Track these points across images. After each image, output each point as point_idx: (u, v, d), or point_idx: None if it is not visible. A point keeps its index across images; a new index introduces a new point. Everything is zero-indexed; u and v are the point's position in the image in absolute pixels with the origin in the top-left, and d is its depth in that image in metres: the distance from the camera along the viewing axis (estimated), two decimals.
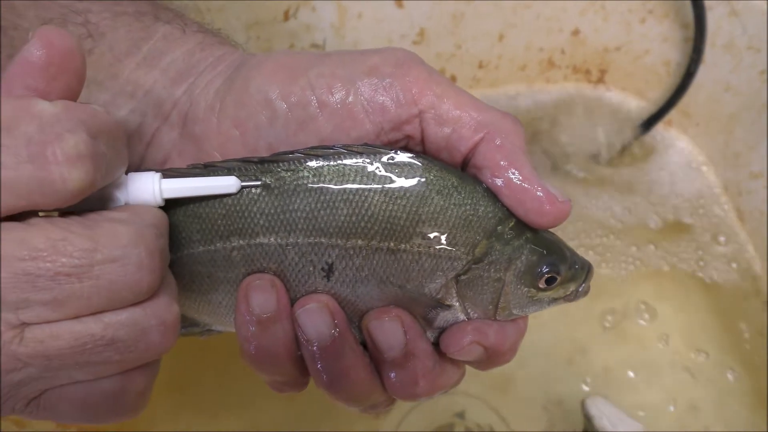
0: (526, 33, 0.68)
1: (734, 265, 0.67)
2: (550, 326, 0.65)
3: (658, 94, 0.70)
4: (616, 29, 0.67)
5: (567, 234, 0.69)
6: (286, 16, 0.59)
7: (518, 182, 0.31)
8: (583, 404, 0.55)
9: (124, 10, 0.34)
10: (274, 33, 0.60)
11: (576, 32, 0.68)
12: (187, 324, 0.35)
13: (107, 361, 0.26)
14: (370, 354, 0.32)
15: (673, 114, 0.69)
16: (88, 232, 0.24)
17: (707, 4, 0.59)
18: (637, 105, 0.72)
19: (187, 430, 0.59)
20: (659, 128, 0.71)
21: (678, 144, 0.72)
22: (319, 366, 0.32)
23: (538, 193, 0.30)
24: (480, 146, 0.31)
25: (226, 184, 0.30)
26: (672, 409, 0.61)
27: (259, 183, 0.31)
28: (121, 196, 0.29)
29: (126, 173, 0.29)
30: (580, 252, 0.42)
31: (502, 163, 0.31)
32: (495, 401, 0.61)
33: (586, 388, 0.62)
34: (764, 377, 0.63)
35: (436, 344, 0.33)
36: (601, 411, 0.54)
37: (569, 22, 0.67)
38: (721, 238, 0.68)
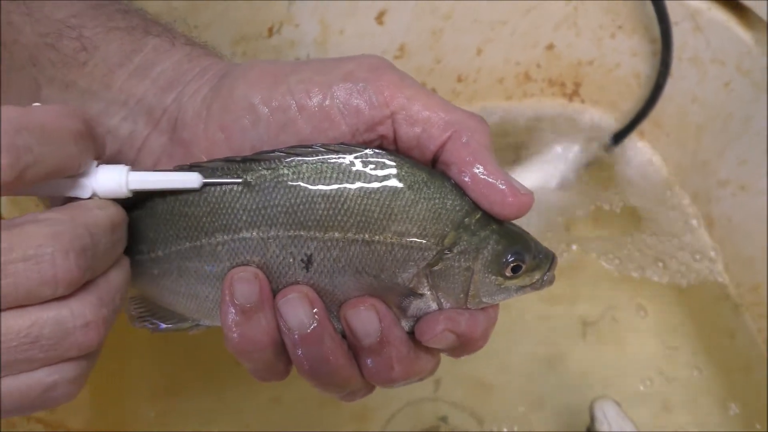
0: (503, 48, 0.70)
1: (703, 270, 0.70)
2: (530, 332, 0.67)
3: (630, 106, 0.72)
4: (588, 44, 0.69)
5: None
6: (270, 33, 0.61)
7: (483, 176, 0.33)
8: (591, 403, 0.56)
9: (116, 25, 0.36)
10: (259, 48, 0.62)
11: (550, 47, 0.71)
12: (176, 320, 0.36)
13: (31, 359, 0.27)
14: (348, 342, 0.34)
15: (644, 125, 0.72)
16: (7, 233, 0.27)
17: (673, 19, 0.62)
18: (610, 117, 0.75)
19: None
20: (632, 138, 0.74)
21: (649, 154, 0.75)
22: (300, 353, 0.33)
23: (502, 186, 0.32)
24: (448, 144, 0.33)
25: (189, 179, 0.32)
26: (648, 409, 0.63)
27: (223, 181, 0.33)
28: (90, 185, 0.31)
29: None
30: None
31: (468, 159, 0.33)
32: (477, 406, 0.63)
33: (567, 392, 0.64)
34: (734, 378, 0.65)
35: (411, 334, 0.35)
36: (604, 414, 0.55)
37: (544, 37, 0.70)
38: (691, 244, 0.71)
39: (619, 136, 0.73)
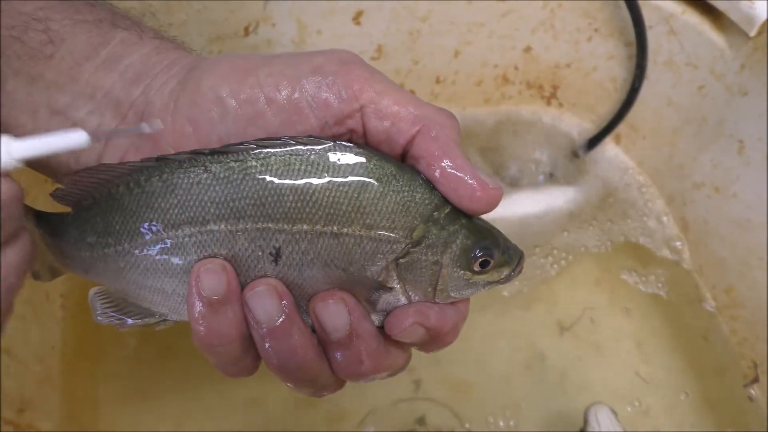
0: (480, 50, 0.71)
1: (678, 273, 0.71)
2: (509, 333, 0.68)
3: (607, 109, 0.73)
4: (565, 47, 0.70)
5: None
6: (247, 32, 0.61)
7: (452, 171, 0.33)
8: (587, 408, 0.56)
9: (83, 18, 0.36)
10: (234, 48, 0.62)
11: (528, 49, 0.71)
12: (142, 315, 0.36)
13: None
14: (318, 336, 0.34)
15: (621, 128, 0.72)
16: None
17: (648, 23, 0.63)
18: (588, 119, 0.76)
19: None
20: (608, 141, 0.75)
21: (625, 157, 0.75)
22: (268, 347, 0.33)
23: (470, 181, 0.32)
24: (417, 138, 0.33)
25: (76, 137, 0.31)
26: (626, 409, 0.64)
27: (113, 131, 0.33)
28: None
29: None
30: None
31: (436, 153, 0.33)
32: (456, 406, 0.63)
33: (544, 393, 0.64)
34: (709, 379, 0.66)
35: (382, 329, 0.35)
36: (597, 420, 0.55)
37: (521, 40, 0.70)
38: (667, 247, 0.72)
39: (595, 139, 0.74)
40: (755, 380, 0.64)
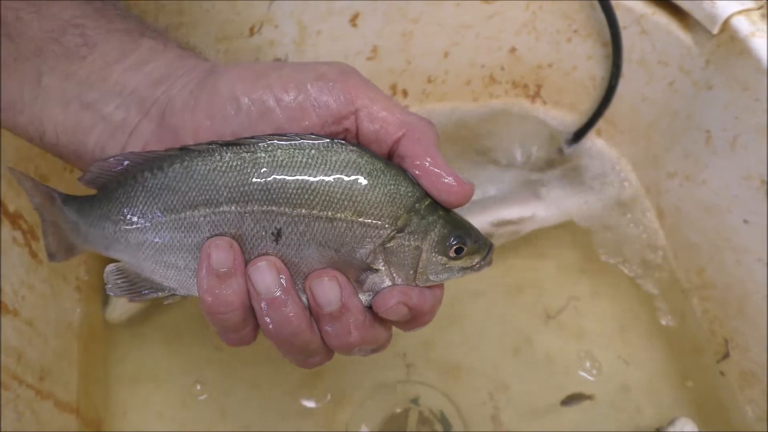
0: (468, 51, 0.75)
1: (656, 258, 0.75)
2: (497, 318, 0.71)
3: (587, 106, 0.77)
4: (547, 48, 0.74)
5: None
6: (252, 32, 0.66)
7: (432, 168, 0.38)
8: (673, 420, 0.62)
9: (115, 27, 0.41)
10: (240, 47, 0.66)
11: (513, 50, 0.76)
12: (154, 289, 0.40)
13: None
14: (311, 311, 0.39)
15: (601, 124, 0.77)
16: None
17: (621, 24, 0.67)
18: (570, 116, 0.80)
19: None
20: (590, 137, 0.79)
21: (606, 151, 0.80)
22: (266, 315, 0.38)
23: (448, 177, 0.38)
24: (402, 140, 0.39)
25: None
26: (607, 389, 0.67)
27: None
28: None
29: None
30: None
31: (420, 153, 0.38)
32: (446, 388, 0.66)
33: (531, 375, 0.68)
34: (686, 358, 0.69)
35: (368, 309, 0.40)
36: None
37: (506, 41, 0.75)
38: (646, 234, 0.76)
39: (577, 135, 0.78)
40: (726, 356, 0.67)
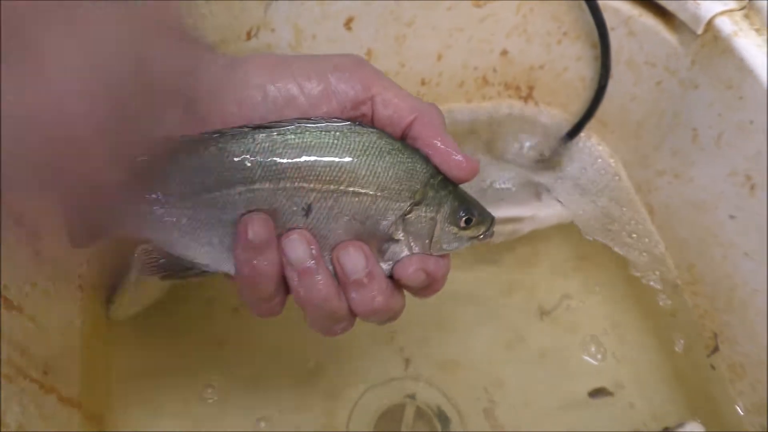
0: (461, 53, 0.77)
1: (648, 255, 0.76)
2: (491, 317, 0.72)
3: (578, 107, 0.79)
4: (538, 50, 0.76)
5: None
6: (249, 36, 0.68)
7: (443, 148, 0.42)
8: (682, 424, 0.63)
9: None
10: (238, 50, 0.68)
11: (504, 53, 0.77)
12: (184, 268, 0.43)
13: None
14: (338, 279, 0.42)
15: (592, 123, 0.78)
16: None
17: (609, 25, 0.69)
18: (562, 117, 0.82)
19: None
20: (581, 138, 0.81)
21: (598, 151, 0.81)
22: (297, 284, 0.41)
23: (458, 155, 0.42)
24: (414, 123, 0.42)
25: None
26: (600, 385, 0.68)
27: None
28: None
29: None
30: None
31: (431, 134, 0.42)
32: (442, 383, 0.67)
33: (525, 371, 0.69)
34: (677, 354, 0.70)
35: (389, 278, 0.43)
36: None
37: (498, 43, 0.76)
38: (638, 231, 0.77)
39: (568, 135, 0.80)
40: (716, 349, 0.69)
